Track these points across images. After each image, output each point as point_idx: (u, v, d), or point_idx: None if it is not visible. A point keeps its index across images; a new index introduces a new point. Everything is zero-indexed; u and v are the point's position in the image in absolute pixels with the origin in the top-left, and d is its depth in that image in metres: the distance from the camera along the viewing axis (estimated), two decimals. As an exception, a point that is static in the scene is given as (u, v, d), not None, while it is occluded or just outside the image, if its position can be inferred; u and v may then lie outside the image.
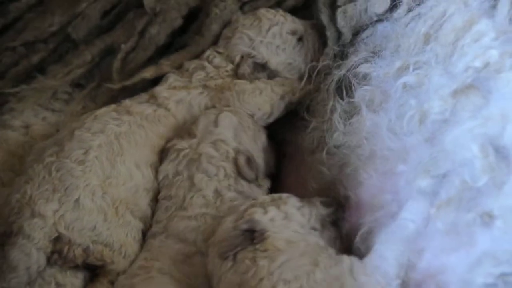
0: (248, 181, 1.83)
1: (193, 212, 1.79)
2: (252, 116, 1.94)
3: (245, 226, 1.60)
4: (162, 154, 1.89)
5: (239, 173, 1.83)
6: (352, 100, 1.68)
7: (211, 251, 1.64)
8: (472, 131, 1.43)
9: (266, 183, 1.89)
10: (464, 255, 1.38)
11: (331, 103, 1.74)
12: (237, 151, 1.84)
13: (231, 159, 1.83)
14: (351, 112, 1.68)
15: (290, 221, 1.62)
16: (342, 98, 1.72)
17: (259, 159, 1.89)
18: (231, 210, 1.71)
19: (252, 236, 1.58)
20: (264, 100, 1.96)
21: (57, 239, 1.72)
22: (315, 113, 1.85)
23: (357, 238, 1.59)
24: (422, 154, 1.49)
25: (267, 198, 1.68)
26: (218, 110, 1.90)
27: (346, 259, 1.52)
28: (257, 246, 1.56)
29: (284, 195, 1.69)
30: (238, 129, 1.87)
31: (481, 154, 1.40)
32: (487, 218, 1.37)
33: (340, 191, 1.71)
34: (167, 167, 1.86)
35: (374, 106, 1.61)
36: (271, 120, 1.96)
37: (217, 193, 1.80)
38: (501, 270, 1.33)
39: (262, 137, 1.93)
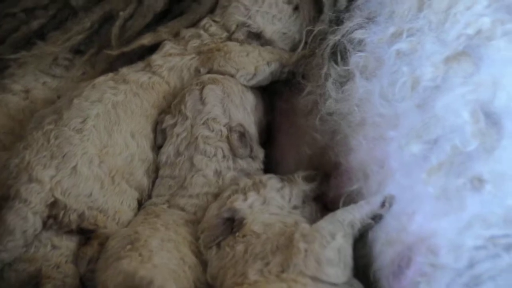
0: (243, 157, 1.85)
1: (194, 191, 1.81)
2: (233, 75, 1.94)
3: (226, 215, 1.65)
4: (156, 132, 1.91)
5: (234, 153, 1.84)
6: (347, 67, 1.68)
7: (200, 238, 1.68)
8: (463, 97, 1.43)
9: (261, 153, 1.91)
10: (454, 219, 1.38)
11: (325, 68, 1.74)
12: (229, 129, 1.86)
13: (225, 138, 1.85)
14: (345, 78, 1.68)
15: (268, 205, 1.65)
16: (336, 64, 1.73)
17: (250, 126, 1.90)
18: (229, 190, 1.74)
19: (233, 224, 1.63)
20: (249, 61, 1.96)
21: (53, 204, 1.73)
22: (310, 77, 1.85)
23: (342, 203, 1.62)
24: (414, 120, 1.49)
25: (248, 182, 1.71)
26: (200, 84, 1.90)
27: (301, 225, 1.57)
28: (236, 234, 1.61)
29: (265, 177, 1.73)
30: (224, 100, 1.88)
31: (471, 120, 1.41)
32: (477, 183, 1.37)
33: (331, 158, 1.73)
34: (169, 149, 1.87)
35: (368, 73, 1.61)
36: (253, 82, 1.95)
37: (218, 173, 1.83)
38: (490, 233, 1.34)
39: (250, 97, 1.94)
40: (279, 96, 2.01)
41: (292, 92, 1.95)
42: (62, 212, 1.74)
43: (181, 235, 1.71)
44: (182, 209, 1.79)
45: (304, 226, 1.56)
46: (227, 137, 1.85)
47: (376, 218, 1.53)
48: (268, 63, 1.96)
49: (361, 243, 1.57)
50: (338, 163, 1.70)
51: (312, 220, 1.62)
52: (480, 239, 1.34)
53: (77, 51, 2.16)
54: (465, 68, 1.45)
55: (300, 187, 1.69)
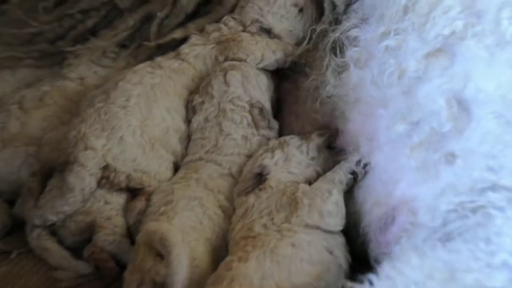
0: (263, 128, 1.87)
1: (228, 151, 1.83)
2: (245, 60, 1.95)
3: (257, 170, 1.67)
4: (188, 106, 1.92)
5: (256, 125, 1.86)
6: (344, 59, 1.68)
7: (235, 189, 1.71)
8: (440, 87, 1.44)
9: (276, 125, 1.92)
10: (431, 186, 1.40)
11: (326, 60, 1.74)
12: (251, 105, 1.87)
13: (247, 111, 1.87)
14: (342, 68, 1.67)
15: (289, 162, 1.66)
16: (336, 56, 1.72)
17: (266, 102, 1.91)
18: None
19: (261, 178, 1.64)
20: (258, 48, 1.97)
21: (105, 167, 1.76)
22: (314, 67, 1.85)
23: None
24: (399, 104, 1.49)
25: (276, 142, 1.73)
26: (223, 70, 1.92)
27: (301, 186, 1.59)
28: (260, 187, 1.62)
29: (288, 137, 1.74)
30: (244, 82, 1.89)
31: (446, 106, 1.42)
32: (450, 158, 1.39)
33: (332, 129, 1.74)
34: (198, 118, 1.89)
35: (361, 64, 1.61)
36: (261, 66, 1.96)
37: (245, 138, 1.84)
38: (460, 199, 1.35)
39: (263, 79, 1.95)
40: (286, 78, 2.02)
41: (298, 77, 1.95)
42: (112, 174, 1.76)
43: (210, 188, 1.72)
44: (219, 165, 1.80)
45: (304, 185, 1.59)
46: (250, 111, 1.86)
47: (354, 174, 1.57)
48: (273, 52, 1.97)
49: (353, 203, 1.59)
50: (337, 129, 1.71)
51: (327, 167, 1.67)
52: (452, 203, 1.36)
53: (122, 45, 2.17)
54: (442, 63, 1.45)
55: (315, 141, 1.70)
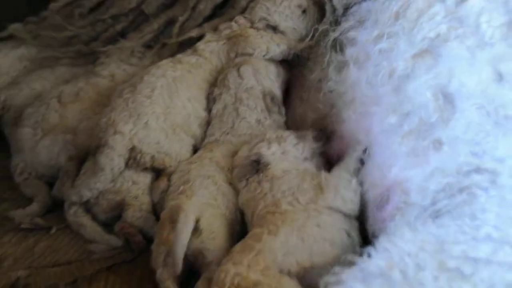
0: (275, 113, 1.90)
1: (241, 132, 1.86)
2: (252, 54, 1.98)
3: (254, 158, 1.66)
4: (208, 100, 1.95)
5: (268, 110, 1.89)
6: (344, 57, 1.69)
7: (233, 172, 1.71)
8: (427, 83, 1.45)
9: (283, 110, 1.95)
10: (421, 170, 1.41)
11: (328, 56, 1.75)
12: (263, 93, 1.90)
13: (261, 99, 1.90)
14: (343, 65, 1.68)
15: (286, 155, 1.66)
16: (336, 53, 1.73)
17: (276, 90, 1.94)
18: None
19: (258, 166, 1.64)
20: (263, 42, 1.99)
21: (132, 149, 1.78)
22: (317, 63, 1.86)
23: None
24: (391, 99, 1.51)
25: (273, 135, 1.71)
26: (236, 65, 1.95)
27: (323, 173, 1.58)
28: (261, 174, 1.62)
29: (285, 133, 1.72)
30: (256, 74, 1.92)
31: (433, 98, 1.43)
32: (438, 144, 1.41)
33: (328, 126, 1.75)
34: (218, 106, 1.92)
35: (359, 64, 1.62)
36: (267, 57, 1.98)
37: (259, 121, 1.88)
38: (447, 180, 1.38)
39: (272, 69, 1.97)
40: (295, 66, 2.03)
41: (303, 69, 1.97)
42: (138, 155, 1.78)
43: (221, 166, 1.73)
44: (232, 144, 1.83)
45: (326, 173, 1.58)
46: (263, 99, 1.89)
47: (362, 162, 1.56)
48: (278, 44, 1.99)
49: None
50: (334, 130, 1.72)
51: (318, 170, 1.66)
52: (440, 184, 1.38)
53: (148, 46, 2.20)
54: (428, 62, 1.47)
55: (310, 145, 1.70)
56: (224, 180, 1.71)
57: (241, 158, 1.70)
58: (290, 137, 1.70)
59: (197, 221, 1.55)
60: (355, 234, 1.50)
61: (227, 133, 1.86)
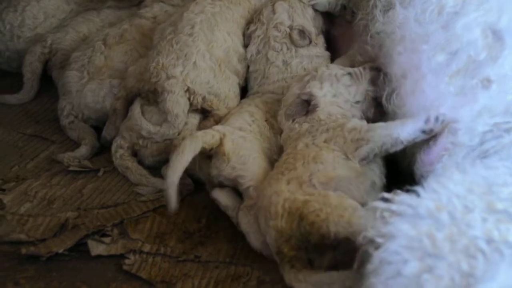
0: (303, 46, 1.89)
1: (273, 79, 1.86)
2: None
3: (305, 97, 1.63)
4: (245, 36, 1.95)
5: (295, 44, 1.88)
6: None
7: (282, 109, 1.68)
8: (476, 20, 1.42)
9: (321, 39, 1.95)
10: (469, 109, 1.39)
11: (372, 0, 1.70)
12: (291, 28, 1.89)
13: (287, 36, 1.89)
14: (388, 6, 1.63)
15: (337, 98, 1.63)
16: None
17: (309, 26, 1.92)
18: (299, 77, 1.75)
19: (308, 106, 1.62)
20: None
21: (187, 90, 1.79)
22: (360, 8, 1.81)
23: (385, 99, 1.60)
24: (439, 37, 1.47)
25: (326, 71, 1.67)
26: (272, 1, 1.95)
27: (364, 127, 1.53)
28: (309, 116, 1.60)
29: (340, 72, 1.67)
30: (290, 11, 1.92)
31: (482, 36, 1.41)
32: (486, 82, 1.38)
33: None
34: (252, 48, 1.92)
35: (405, 3, 1.57)
36: (312, 3, 1.95)
37: (285, 62, 1.88)
38: (495, 120, 1.36)
39: (309, 11, 1.95)
40: (335, 18, 2.01)
41: (347, 17, 1.95)
42: (192, 96, 1.79)
43: (259, 107, 1.76)
44: (272, 92, 1.84)
45: (369, 131, 1.50)
46: (289, 34, 1.88)
47: (425, 132, 1.43)
48: None
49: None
50: (384, 72, 1.65)
51: (366, 114, 1.65)
52: (488, 124, 1.36)
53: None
54: (478, -2, 1.44)
55: (364, 87, 1.65)
56: (261, 116, 1.72)
57: (292, 96, 1.67)
58: (344, 78, 1.66)
59: (221, 145, 1.58)
60: (377, 168, 1.51)
61: (263, 83, 1.88)
